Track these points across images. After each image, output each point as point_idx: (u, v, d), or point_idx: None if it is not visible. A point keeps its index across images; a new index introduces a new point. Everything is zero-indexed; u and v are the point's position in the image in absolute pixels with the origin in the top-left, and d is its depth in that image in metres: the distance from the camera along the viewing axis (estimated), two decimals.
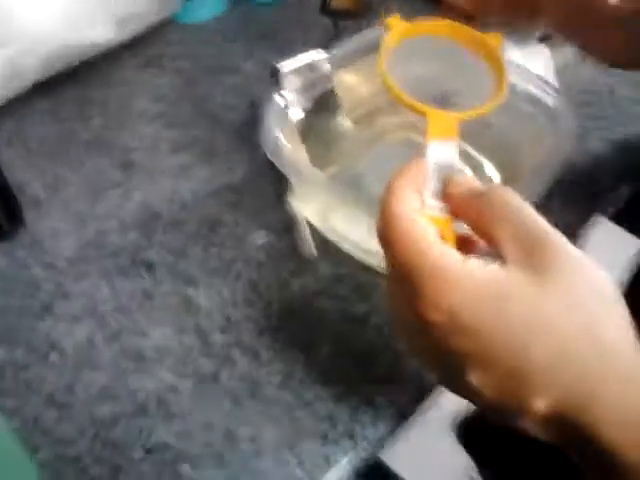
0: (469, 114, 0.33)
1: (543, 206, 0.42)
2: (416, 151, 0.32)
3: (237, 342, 0.42)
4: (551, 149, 0.46)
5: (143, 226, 0.49)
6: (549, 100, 0.50)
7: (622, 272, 0.59)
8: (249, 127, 0.56)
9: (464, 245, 0.29)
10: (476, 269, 0.25)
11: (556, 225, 0.26)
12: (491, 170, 0.49)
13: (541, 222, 0.26)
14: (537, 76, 0.55)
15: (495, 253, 0.27)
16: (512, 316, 0.24)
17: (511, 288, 0.25)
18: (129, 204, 0.50)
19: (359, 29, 0.52)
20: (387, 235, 0.27)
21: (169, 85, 0.61)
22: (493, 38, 0.37)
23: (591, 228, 0.56)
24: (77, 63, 0.58)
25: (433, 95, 0.34)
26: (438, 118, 0.32)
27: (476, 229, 0.28)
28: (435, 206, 0.29)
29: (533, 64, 0.62)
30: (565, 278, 0.25)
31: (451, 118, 0.32)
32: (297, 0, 0.71)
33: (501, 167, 0.49)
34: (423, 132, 0.32)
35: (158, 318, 0.43)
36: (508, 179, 0.47)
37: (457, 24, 0.37)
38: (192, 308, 0.44)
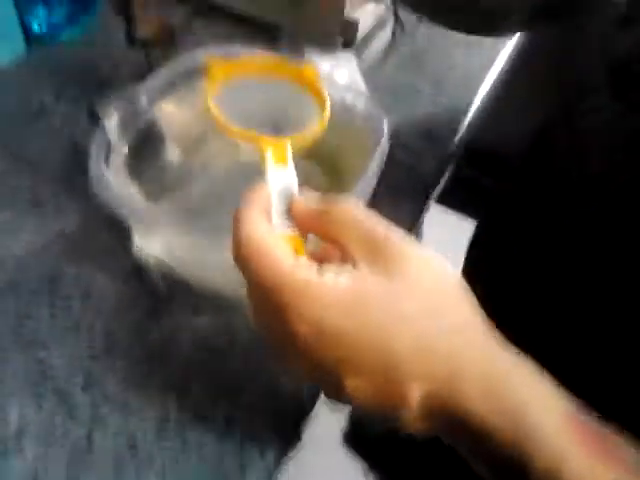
0: (299, 138, 0.35)
1: (374, 204, 0.46)
2: (243, 173, 0.33)
3: (103, 397, 0.40)
4: (370, 150, 0.49)
5: None
6: (360, 103, 0.54)
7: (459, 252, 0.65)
8: (73, 171, 0.54)
9: (323, 257, 0.31)
10: (331, 278, 0.27)
11: (390, 219, 0.29)
12: (320, 177, 0.52)
13: (381, 227, 0.29)
14: (346, 83, 0.58)
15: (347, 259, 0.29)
16: (371, 318, 0.27)
17: (365, 293, 0.27)
18: None
19: (169, 57, 0.52)
20: (242, 257, 0.29)
21: None
22: (310, 69, 0.39)
23: (426, 215, 0.61)
24: None
25: (265, 126, 0.36)
26: (272, 144, 0.34)
27: (325, 239, 0.30)
28: (284, 224, 0.31)
29: (341, 71, 0.66)
30: (412, 276, 0.28)
31: (284, 143, 0.34)
32: (102, 36, 0.68)
33: (330, 173, 0.51)
34: (248, 154, 0.34)
35: (11, 390, 0.40)
36: (336, 183, 0.50)
37: (276, 59, 0.39)
38: (47, 371, 0.42)
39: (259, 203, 0.30)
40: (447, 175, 0.65)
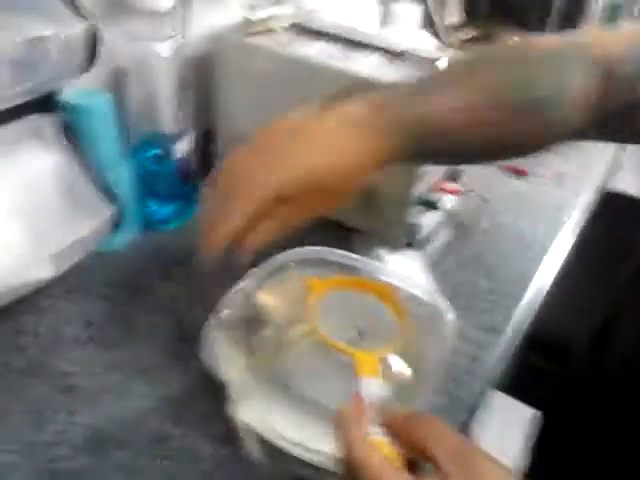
0: (387, 351, 0.42)
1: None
2: (323, 354, 0.41)
3: None
4: (438, 339, 0.56)
5: (92, 448, 0.52)
6: (426, 296, 0.62)
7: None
8: (177, 342, 0.63)
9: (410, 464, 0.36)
10: None
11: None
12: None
13: (465, 439, 0.34)
14: (412, 278, 0.67)
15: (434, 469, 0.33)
16: None
17: None
18: (75, 428, 0.54)
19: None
20: (352, 462, 0.34)
21: (96, 309, 0.67)
22: (389, 286, 0.48)
23: (489, 403, 0.66)
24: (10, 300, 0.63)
25: (352, 334, 0.45)
26: (365, 359, 0.41)
27: (414, 449, 0.35)
28: (377, 432, 0.36)
29: (407, 266, 0.76)
30: None
31: (374, 357, 0.41)
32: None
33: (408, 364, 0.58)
34: (324, 336, 0.42)
35: None
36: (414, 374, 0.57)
37: (364, 279, 0.48)
38: None
39: (360, 413, 0.36)
40: (511, 364, 0.71)
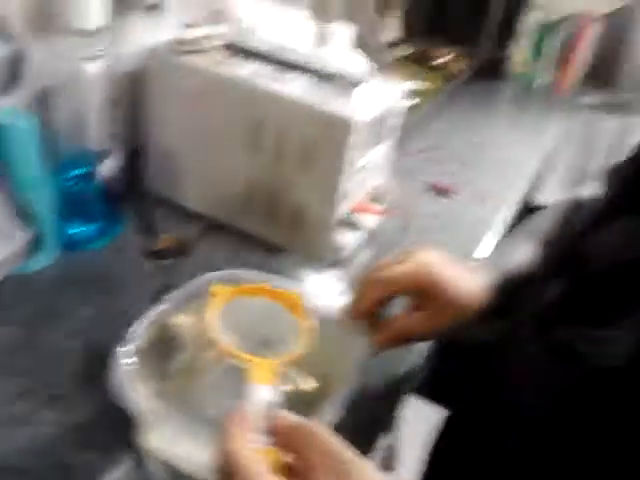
0: (283, 359, 0.44)
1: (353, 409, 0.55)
2: (236, 376, 0.42)
3: None
4: (350, 359, 0.59)
5: None
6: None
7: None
8: (90, 367, 0.62)
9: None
10: None
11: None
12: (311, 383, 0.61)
13: (344, 450, 0.37)
14: (332, 297, 0.70)
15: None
16: None
17: None
18: None
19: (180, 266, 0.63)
20: (228, 469, 0.36)
21: (7, 334, 0.65)
22: (296, 295, 0.50)
23: (404, 409, 0.69)
24: None
25: (257, 341, 0.46)
26: (260, 366, 0.42)
27: (294, 454, 0.38)
28: (262, 440, 0.38)
29: (329, 285, 0.79)
30: None
31: (271, 365, 0.43)
32: (123, 244, 0.79)
33: (320, 379, 0.61)
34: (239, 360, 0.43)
35: None
36: (324, 389, 0.60)
37: (269, 287, 0.51)
38: None
39: (244, 421, 0.39)
40: (425, 369, 0.75)
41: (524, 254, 0.65)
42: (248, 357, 0.43)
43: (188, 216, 0.87)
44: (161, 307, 0.59)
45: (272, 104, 0.77)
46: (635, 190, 0.48)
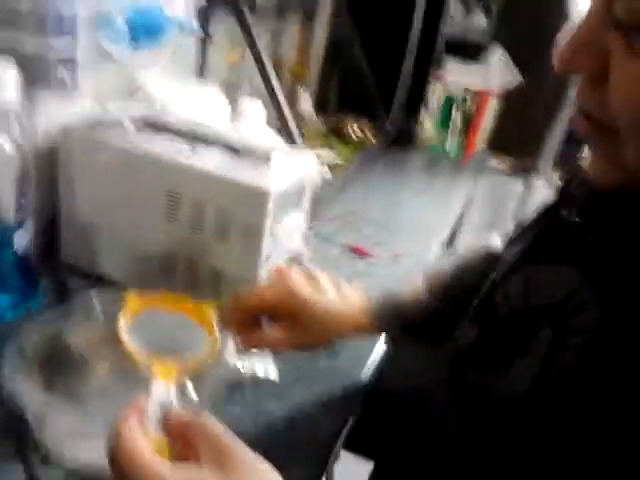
0: (184, 363, 0.47)
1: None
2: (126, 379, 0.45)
3: None
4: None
5: None
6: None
7: None
8: None
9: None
10: (181, 470, 0.39)
11: None
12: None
13: (234, 444, 0.41)
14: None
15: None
16: None
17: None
18: None
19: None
20: (115, 452, 0.39)
21: None
22: (207, 306, 0.53)
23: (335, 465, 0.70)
24: None
25: (164, 349, 0.48)
26: (162, 369, 0.45)
27: (185, 444, 0.41)
28: (156, 429, 0.41)
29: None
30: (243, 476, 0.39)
31: (171, 366, 0.46)
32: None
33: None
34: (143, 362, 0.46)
35: None
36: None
37: (179, 296, 0.54)
38: None
39: (138, 411, 0.42)
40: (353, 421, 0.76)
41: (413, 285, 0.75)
42: (151, 359, 0.46)
43: (107, 284, 0.87)
44: (46, 317, 0.61)
45: (187, 178, 0.79)
46: (538, 243, 0.53)
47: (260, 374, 0.77)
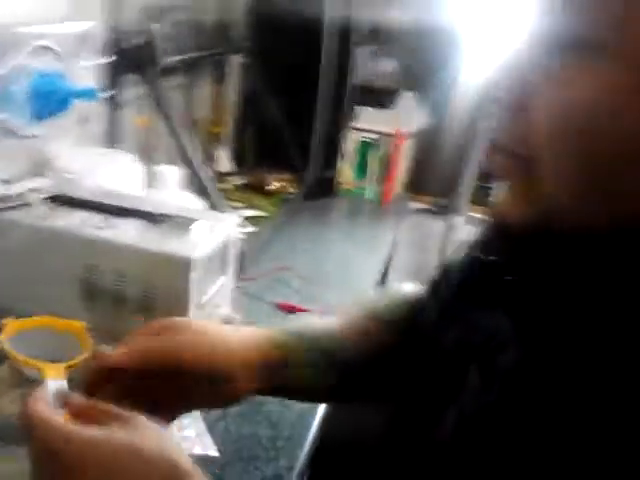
0: (69, 363, 0.52)
1: None
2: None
3: None
4: None
5: None
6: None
7: None
8: None
9: None
10: (91, 428, 0.41)
11: None
12: None
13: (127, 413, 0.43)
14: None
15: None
16: (99, 456, 0.40)
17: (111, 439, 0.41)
18: None
19: None
20: (30, 428, 0.41)
21: None
22: (78, 323, 0.58)
23: None
24: None
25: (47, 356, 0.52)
26: (51, 368, 0.50)
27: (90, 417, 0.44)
28: (58, 412, 0.45)
29: (188, 431, 0.76)
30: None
31: (58, 367, 0.51)
32: None
33: None
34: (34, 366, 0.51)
35: None
36: None
37: (54, 319, 0.58)
38: None
39: (43, 397, 0.45)
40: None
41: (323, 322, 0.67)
42: (40, 363, 0.51)
43: None
44: None
45: (104, 251, 0.76)
46: (462, 286, 0.52)
47: (198, 451, 0.74)
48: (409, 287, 0.72)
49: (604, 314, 0.37)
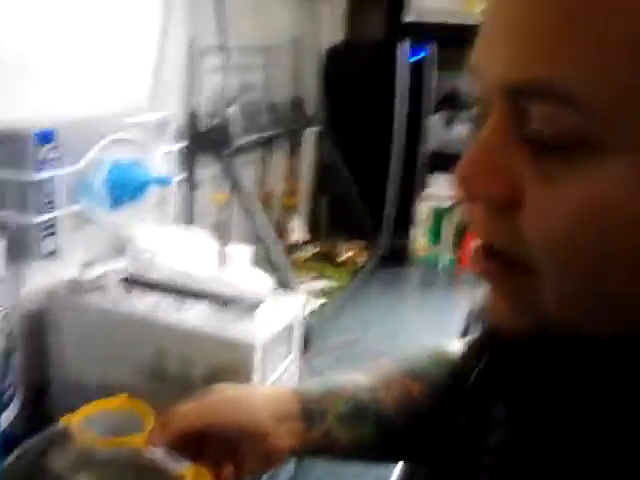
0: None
1: None
2: None
3: None
4: None
5: None
6: None
7: None
8: None
9: None
10: None
11: None
12: None
13: None
14: None
15: None
16: None
17: None
18: None
19: None
20: None
21: None
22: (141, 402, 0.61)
23: None
24: None
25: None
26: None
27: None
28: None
29: None
30: None
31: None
32: None
33: None
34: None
35: None
36: None
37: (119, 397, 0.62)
38: None
39: None
40: None
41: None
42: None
43: None
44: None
45: (173, 335, 0.78)
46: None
47: None
48: (452, 345, 0.69)
49: (597, 416, 0.35)
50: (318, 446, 0.59)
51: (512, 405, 0.41)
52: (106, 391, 0.83)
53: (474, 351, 0.60)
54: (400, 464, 0.84)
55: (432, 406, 0.62)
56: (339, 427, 0.59)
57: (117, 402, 0.62)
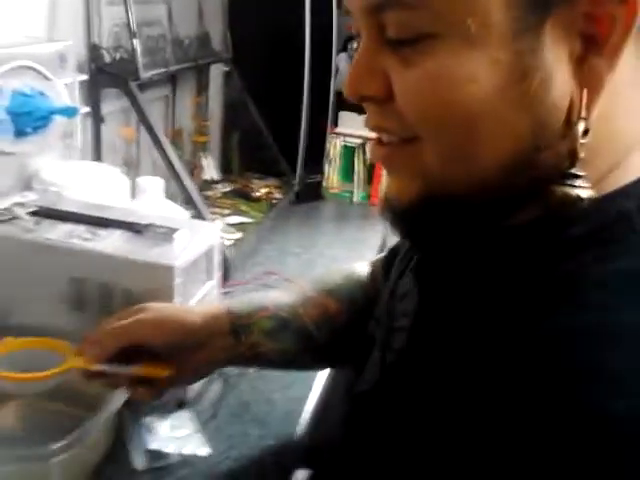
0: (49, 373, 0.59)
1: None
2: None
3: None
4: None
5: None
6: None
7: None
8: None
9: None
10: None
11: None
12: None
13: None
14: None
15: None
16: None
17: None
18: None
19: None
20: None
21: None
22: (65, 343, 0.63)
23: None
24: None
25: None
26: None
27: None
28: None
29: (179, 428, 0.77)
30: None
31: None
32: None
33: None
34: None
35: None
36: None
37: (40, 339, 0.64)
38: None
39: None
40: None
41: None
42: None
43: None
44: None
45: (89, 262, 0.77)
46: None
47: (188, 452, 0.75)
48: (361, 266, 0.76)
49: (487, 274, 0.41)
50: (246, 358, 0.67)
51: (418, 276, 0.48)
52: (20, 323, 0.83)
53: (379, 265, 0.70)
54: (324, 372, 0.89)
55: (347, 319, 0.71)
56: (265, 341, 0.67)
57: (35, 341, 0.63)
